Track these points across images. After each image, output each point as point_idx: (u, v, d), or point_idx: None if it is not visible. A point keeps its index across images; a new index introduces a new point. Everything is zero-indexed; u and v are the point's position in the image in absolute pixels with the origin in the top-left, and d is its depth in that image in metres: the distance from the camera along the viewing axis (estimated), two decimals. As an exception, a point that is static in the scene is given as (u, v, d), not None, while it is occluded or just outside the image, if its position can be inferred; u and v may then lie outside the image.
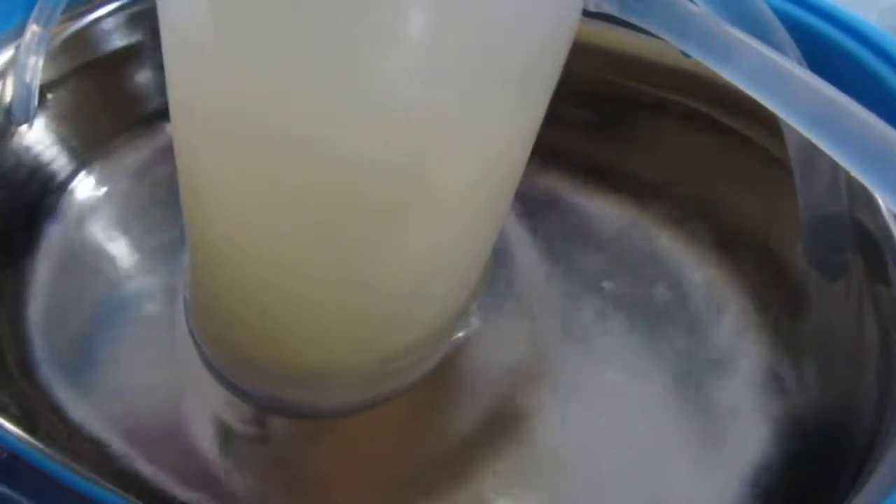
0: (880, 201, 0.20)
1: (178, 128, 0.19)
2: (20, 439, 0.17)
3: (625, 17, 0.20)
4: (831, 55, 0.21)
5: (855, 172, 0.15)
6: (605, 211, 0.28)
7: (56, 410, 0.24)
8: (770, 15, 0.20)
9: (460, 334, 0.25)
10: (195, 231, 0.22)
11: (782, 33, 0.20)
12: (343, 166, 0.17)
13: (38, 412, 0.23)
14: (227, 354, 0.24)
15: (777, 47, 0.19)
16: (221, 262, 0.22)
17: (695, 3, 0.20)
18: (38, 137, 0.28)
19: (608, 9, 0.20)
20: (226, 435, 0.24)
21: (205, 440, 0.23)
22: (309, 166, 0.17)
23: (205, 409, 0.24)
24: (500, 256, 0.27)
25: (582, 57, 0.27)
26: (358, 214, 0.18)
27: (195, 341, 0.25)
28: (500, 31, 0.16)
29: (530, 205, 0.29)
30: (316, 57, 0.15)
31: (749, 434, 0.22)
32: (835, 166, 0.21)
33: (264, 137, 0.16)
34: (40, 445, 0.17)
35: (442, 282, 0.22)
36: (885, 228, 0.21)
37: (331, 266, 0.20)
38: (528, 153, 0.20)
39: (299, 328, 0.22)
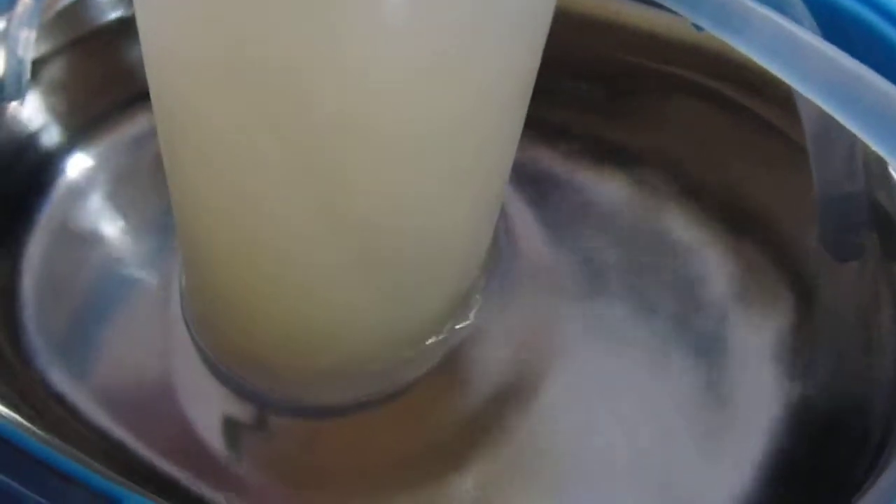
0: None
1: (159, 94, 0.18)
2: (9, 421, 0.17)
3: (636, -11, 0.19)
4: (848, 25, 0.21)
5: (873, 144, 0.15)
6: (612, 188, 0.28)
7: (48, 392, 0.23)
8: (786, -14, 0.20)
9: (464, 323, 0.24)
10: (182, 215, 0.21)
11: (797, 2, 0.20)
12: (333, 125, 0.16)
13: (30, 392, 0.23)
14: (222, 348, 0.24)
15: (792, 17, 0.19)
16: (214, 258, 0.21)
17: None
18: (31, 112, 0.28)
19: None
20: (222, 422, 0.23)
21: (200, 425, 0.23)
22: (299, 125, 0.16)
23: (199, 395, 0.24)
24: (503, 238, 0.27)
25: (592, 32, 0.27)
26: (355, 189, 0.18)
27: (190, 332, 0.25)
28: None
29: (535, 181, 0.28)
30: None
31: (760, 420, 0.22)
32: (852, 144, 0.20)
33: (249, 85, 0.16)
34: (29, 426, 0.17)
35: (444, 266, 0.22)
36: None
37: (328, 250, 0.19)
38: (524, 109, 0.20)
39: (297, 323, 0.22)
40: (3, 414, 0.17)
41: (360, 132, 0.16)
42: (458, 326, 0.24)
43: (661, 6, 0.18)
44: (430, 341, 0.23)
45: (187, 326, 0.25)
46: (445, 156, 0.18)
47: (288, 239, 0.19)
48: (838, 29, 0.20)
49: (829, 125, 0.20)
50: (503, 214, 0.27)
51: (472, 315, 0.24)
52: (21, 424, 0.17)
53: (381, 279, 0.20)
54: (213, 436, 0.23)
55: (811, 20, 0.20)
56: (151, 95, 0.19)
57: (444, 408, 0.24)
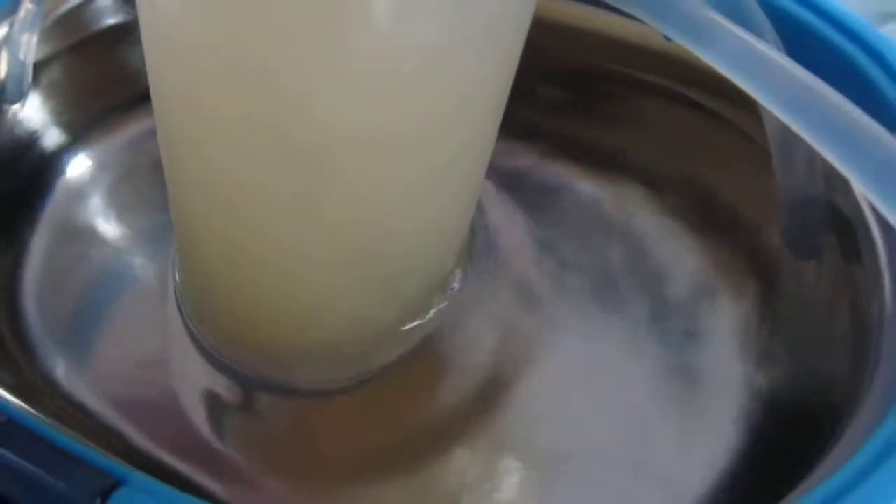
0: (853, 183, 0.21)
1: (155, 74, 0.19)
2: (17, 406, 0.18)
3: (609, 1, 0.20)
4: (808, 40, 0.22)
5: (827, 154, 0.16)
6: (585, 185, 0.29)
7: (49, 381, 0.24)
8: (751, 1, 0.21)
9: (443, 305, 0.25)
10: (176, 201, 0.22)
11: (761, 18, 0.21)
12: (318, 125, 0.17)
13: (32, 382, 0.24)
14: (212, 331, 0.25)
15: (756, 32, 0.20)
16: (204, 235, 0.22)
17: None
18: (33, 114, 0.29)
19: (594, -7, 0.20)
20: (215, 408, 0.24)
21: (194, 413, 0.24)
22: (286, 123, 0.17)
23: (194, 383, 0.24)
24: (481, 230, 0.28)
25: (569, 39, 0.27)
26: (338, 183, 0.19)
27: (183, 317, 0.25)
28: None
29: (511, 178, 0.29)
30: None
31: (728, 405, 0.23)
32: (811, 151, 0.21)
33: (243, 83, 0.17)
34: (35, 412, 0.18)
35: (422, 257, 0.23)
36: (858, 210, 0.21)
37: (310, 242, 0.20)
38: (501, 112, 0.21)
39: (280, 306, 0.23)
40: (9, 398, 0.18)
41: (344, 134, 0.17)
42: (434, 311, 0.25)
43: (633, 17, 0.19)
44: (408, 326, 0.24)
45: (181, 313, 0.26)
46: (426, 157, 0.19)
47: (272, 229, 0.20)
48: (798, 42, 0.21)
49: (790, 133, 0.21)
50: (481, 209, 0.28)
51: (448, 300, 0.25)
52: (25, 408, 0.18)
53: (361, 270, 0.21)
54: (202, 419, 0.24)
55: (774, 34, 0.21)
56: (150, 87, 0.19)
57: (425, 389, 0.24)
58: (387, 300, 0.23)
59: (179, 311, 0.26)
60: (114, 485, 0.15)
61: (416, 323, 0.24)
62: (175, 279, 0.26)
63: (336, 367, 0.24)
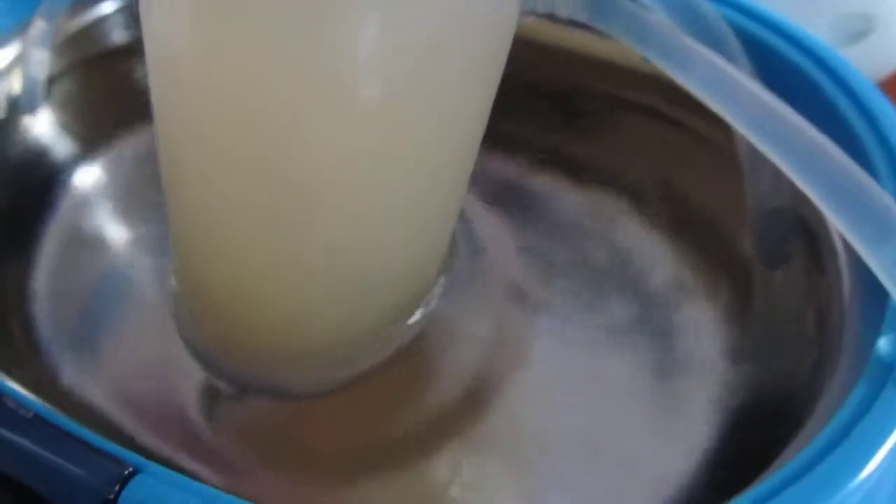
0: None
1: (157, 84, 0.20)
2: (39, 402, 0.19)
3: (593, 24, 0.21)
4: (778, 65, 0.23)
5: (786, 171, 0.17)
6: (568, 195, 0.30)
7: (58, 381, 0.25)
8: (724, 26, 0.22)
9: (427, 309, 0.26)
10: (172, 214, 0.23)
11: (734, 44, 0.22)
12: (301, 148, 0.18)
13: (44, 382, 0.25)
14: (206, 336, 0.26)
15: (728, 57, 0.21)
16: (196, 237, 0.23)
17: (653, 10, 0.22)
18: (44, 127, 0.29)
19: (580, 17, 0.22)
20: (209, 408, 0.25)
21: (190, 411, 0.25)
22: (271, 145, 0.18)
23: (190, 385, 0.25)
24: (462, 236, 0.29)
25: (555, 59, 0.29)
26: (323, 211, 0.20)
27: (178, 322, 0.26)
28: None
29: (496, 189, 0.30)
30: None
31: (702, 401, 0.24)
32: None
33: (236, 116, 0.18)
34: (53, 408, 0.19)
35: (402, 271, 0.24)
36: (822, 222, 0.23)
37: (293, 258, 0.21)
38: (480, 135, 0.22)
39: (267, 315, 0.23)
40: (34, 398, 0.19)
41: (324, 159, 0.19)
42: (419, 315, 0.26)
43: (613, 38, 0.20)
44: (392, 330, 0.25)
45: (176, 318, 0.26)
46: (407, 180, 0.20)
47: (259, 249, 0.21)
48: (768, 67, 0.23)
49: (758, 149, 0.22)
50: (466, 218, 0.29)
51: (432, 303, 0.26)
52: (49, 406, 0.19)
53: (344, 284, 0.22)
54: (198, 417, 0.25)
55: (745, 58, 0.22)
56: (152, 107, 0.21)
57: (412, 390, 0.25)
58: (370, 309, 0.24)
59: (176, 316, 0.26)
60: (132, 472, 0.16)
61: (400, 326, 0.25)
62: (172, 286, 0.27)
63: (323, 371, 0.25)
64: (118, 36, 0.31)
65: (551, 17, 0.22)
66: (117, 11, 0.30)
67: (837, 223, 0.17)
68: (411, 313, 0.26)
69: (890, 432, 0.15)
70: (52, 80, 0.29)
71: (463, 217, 0.28)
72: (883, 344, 0.17)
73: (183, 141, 0.20)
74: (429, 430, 0.24)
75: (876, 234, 0.16)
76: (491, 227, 0.29)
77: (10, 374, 0.21)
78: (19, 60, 0.28)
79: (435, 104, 0.19)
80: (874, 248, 0.16)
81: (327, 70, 0.17)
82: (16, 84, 0.28)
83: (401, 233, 0.22)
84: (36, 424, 0.16)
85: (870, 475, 0.15)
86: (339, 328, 0.24)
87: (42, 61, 0.28)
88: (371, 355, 0.25)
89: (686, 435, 0.24)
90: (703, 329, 0.26)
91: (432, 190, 0.22)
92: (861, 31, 0.35)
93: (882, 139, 0.20)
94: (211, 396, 0.25)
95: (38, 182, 0.29)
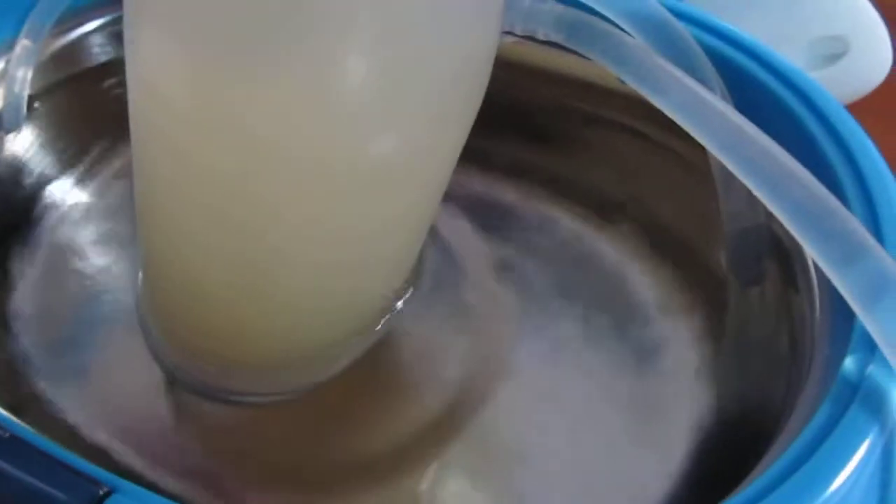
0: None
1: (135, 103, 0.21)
2: (16, 422, 0.19)
3: (571, 46, 0.22)
4: (749, 87, 0.24)
5: (759, 195, 0.18)
6: (547, 213, 0.30)
7: (37, 400, 0.25)
8: (698, 49, 0.23)
9: (391, 317, 0.26)
10: (143, 236, 0.24)
11: (707, 66, 0.23)
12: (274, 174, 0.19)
13: (22, 401, 0.25)
14: (173, 350, 0.26)
15: (702, 79, 0.22)
16: (161, 251, 0.23)
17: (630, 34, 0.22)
18: (27, 145, 0.30)
19: (557, 39, 0.22)
20: (178, 421, 0.25)
21: (168, 432, 0.25)
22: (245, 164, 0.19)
23: (159, 398, 0.26)
24: (432, 249, 0.29)
25: (535, 80, 0.29)
26: (289, 227, 0.21)
27: (147, 338, 0.26)
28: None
29: (474, 205, 0.31)
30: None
31: (680, 418, 0.24)
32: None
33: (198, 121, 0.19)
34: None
35: (372, 285, 0.24)
36: (796, 242, 0.23)
37: (260, 284, 0.22)
38: (451, 169, 0.22)
39: (228, 331, 0.24)
40: (12, 418, 0.19)
41: (301, 188, 0.20)
42: (381, 326, 0.26)
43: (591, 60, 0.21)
44: (357, 341, 0.26)
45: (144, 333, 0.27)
46: (380, 205, 0.21)
47: (224, 278, 0.22)
48: (742, 89, 0.23)
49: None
50: (436, 231, 0.29)
51: (397, 313, 0.27)
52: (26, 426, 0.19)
53: (308, 302, 0.23)
54: (169, 430, 0.25)
55: (719, 80, 0.23)
56: (131, 133, 0.21)
57: (379, 397, 0.25)
58: (334, 324, 0.24)
59: (140, 323, 0.27)
60: (107, 492, 0.16)
61: (365, 337, 0.26)
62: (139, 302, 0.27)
63: (286, 380, 0.25)
64: (101, 54, 0.31)
65: (530, 38, 0.23)
66: (97, 30, 0.31)
67: (805, 245, 0.17)
68: (374, 325, 0.26)
69: (854, 451, 0.16)
70: (33, 98, 0.29)
71: (434, 230, 0.29)
72: (849, 363, 0.17)
73: (153, 178, 0.21)
74: (406, 445, 0.24)
75: (843, 256, 0.17)
76: (461, 239, 0.30)
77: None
78: (2, 79, 0.28)
79: (409, 142, 0.20)
80: (841, 269, 0.17)
81: (304, 118, 0.18)
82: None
83: (370, 258, 0.23)
84: (12, 444, 0.16)
85: (834, 492, 0.15)
86: (300, 343, 0.25)
87: (25, 79, 0.28)
88: (332, 365, 0.25)
89: (663, 448, 0.24)
90: (678, 346, 0.26)
91: (403, 220, 0.22)
92: (836, 53, 0.36)
93: (850, 160, 0.21)
94: (193, 415, 0.25)
95: (21, 199, 0.30)
